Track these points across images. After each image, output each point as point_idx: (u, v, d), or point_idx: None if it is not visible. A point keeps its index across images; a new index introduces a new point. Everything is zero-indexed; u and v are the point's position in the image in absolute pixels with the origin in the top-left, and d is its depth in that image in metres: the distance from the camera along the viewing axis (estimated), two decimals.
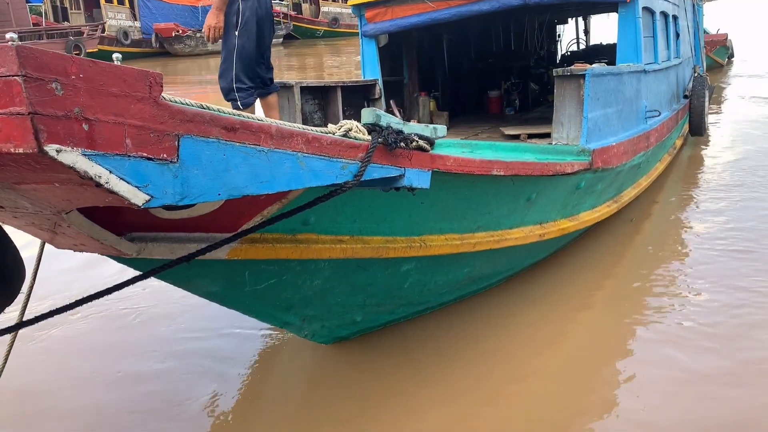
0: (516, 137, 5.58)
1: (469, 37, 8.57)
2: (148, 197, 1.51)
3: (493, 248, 3.55)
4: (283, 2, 36.80)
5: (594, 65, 5.01)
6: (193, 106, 1.63)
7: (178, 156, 1.56)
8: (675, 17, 7.14)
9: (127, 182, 1.47)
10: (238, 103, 4.09)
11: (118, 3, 29.65)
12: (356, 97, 6.07)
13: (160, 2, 31.33)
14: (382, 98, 6.17)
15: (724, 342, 3.47)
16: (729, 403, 2.99)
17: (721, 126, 10.06)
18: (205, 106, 1.67)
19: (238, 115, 1.75)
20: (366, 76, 6.20)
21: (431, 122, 7.03)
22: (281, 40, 36.29)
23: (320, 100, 5.52)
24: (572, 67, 3.96)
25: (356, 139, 2.20)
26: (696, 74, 7.72)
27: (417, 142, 2.39)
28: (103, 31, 27.59)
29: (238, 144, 1.71)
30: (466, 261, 3.58)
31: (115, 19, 29.25)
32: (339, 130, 2.20)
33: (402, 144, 2.29)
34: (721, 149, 8.33)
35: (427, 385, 3.23)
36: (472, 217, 3.31)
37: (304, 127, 1.98)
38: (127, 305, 4.30)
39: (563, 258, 4.61)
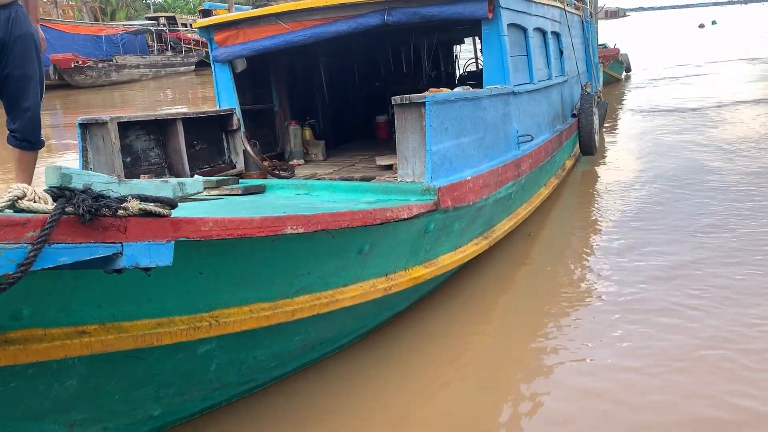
0: (390, 167, 5.08)
1: (353, 60, 8.09)
2: None
3: (323, 312, 2.96)
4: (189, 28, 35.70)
5: (456, 89, 4.58)
6: None
7: None
8: (556, 34, 6.86)
9: None
10: None
11: None
12: (211, 129, 5.43)
13: (58, 32, 29.69)
14: (242, 129, 5.55)
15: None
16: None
17: (617, 141, 9.96)
18: None
19: None
20: (222, 105, 5.57)
21: (306, 153, 6.48)
22: (193, 67, 35.22)
23: (159, 135, 4.84)
24: (412, 95, 3.45)
25: (29, 212, 1.57)
26: (584, 92, 7.46)
27: (140, 207, 1.78)
28: None
29: None
30: (292, 330, 2.98)
31: None
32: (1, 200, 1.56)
33: (106, 211, 1.67)
34: (614, 166, 8.14)
35: None
36: (284, 281, 2.72)
37: None
38: None
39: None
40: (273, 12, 5.10)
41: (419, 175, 3.44)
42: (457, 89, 4.58)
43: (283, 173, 5.33)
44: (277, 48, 5.18)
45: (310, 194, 3.48)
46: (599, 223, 6.02)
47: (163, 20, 39.21)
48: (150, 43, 34.44)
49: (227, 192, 3.37)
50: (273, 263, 2.59)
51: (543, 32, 6.13)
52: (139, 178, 4.58)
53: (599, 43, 18.14)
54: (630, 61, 17.85)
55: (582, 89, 7.50)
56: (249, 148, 4.93)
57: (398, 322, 3.90)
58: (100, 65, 29.08)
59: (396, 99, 3.46)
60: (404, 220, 3.05)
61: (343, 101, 7.66)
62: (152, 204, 1.80)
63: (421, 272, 3.58)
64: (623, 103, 13.88)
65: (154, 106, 21.40)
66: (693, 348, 3.46)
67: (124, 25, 37.50)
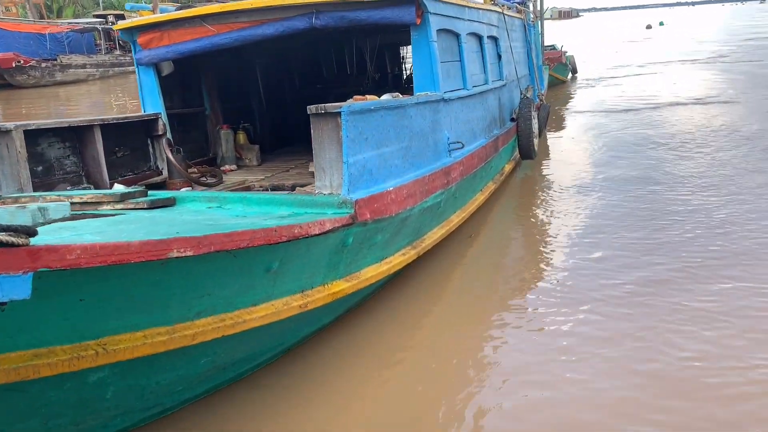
0: None
1: (293, 63, 7.93)
2: None
3: (228, 334, 2.82)
4: None
5: (384, 96, 4.48)
6: None
7: None
8: (494, 38, 6.82)
9: None
10: None
11: None
12: (135, 135, 5.22)
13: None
14: (168, 134, 5.35)
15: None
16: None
17: (559, 144, 10.02)
18: None
19: None
20: (146, 109, 5.36)
21: (239, 157, 6.30)
22: None
23: (75, 142, 4.61)
24: (327, 104, 3.33)
25: None
26: (524, 96, 7.45)
27: None
28: None
29: None
30: (197, 353, 2.83)
31: None
32: None
33: None
34: (554, 169, 8.17)
35: None
36: (181, 304, 2.57)
37: None
38: None
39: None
40: (198, 14, 4.93)
41: (336, 188, 3.32)
42: (384, 96, 4.49)
43: (210, 180, 5.15)
44: (203, 51, 5.00)
45: (222, 207, 3.33)
46: (536, 225, 6.08)
47: (111, 18, 38.04)
48: (98, 41, 33.42)
49: (132, 206, 3.20)
50: (166, 287, 2.44)
51: (478, 37, 6.08)
52: (53, 188, 4.36)
53: (548, 44, 18.36)
54: (576, 62, 18.06)
55: (522, 93, 7.49)
56: (170, 156, 4.74)
57: (325, 334, 3.79)
58: (43, 65, 28.09)
59: (311, 108, 3.34)
60: (316, 235, 2.93)
61: (281, 104, 7.49)
62: (2, 234, 1.64)
63: (342, 286, 3.47)
64: (568, 105, 14.03)
65: (98, 108, 20.79)
66: (620, 347, 3.51)
67: (70, 23, 36.23)
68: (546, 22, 14.15)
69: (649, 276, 4.42)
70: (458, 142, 4.79)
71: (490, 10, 6.62)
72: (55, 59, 29.12)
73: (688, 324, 3.71)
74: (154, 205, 3.23)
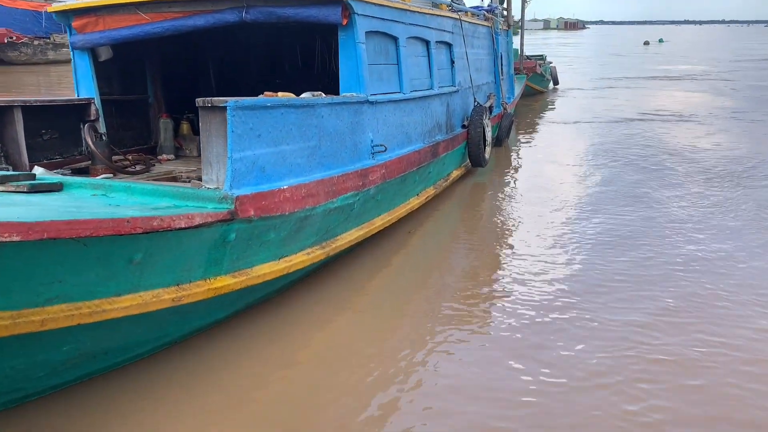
0: None
1: (251, 57, 7.90)
2: None
3: (86, 323, 2.81)
4: None
5: (304, 95, 4.47)
6: None
7: None
8: (447, 44, 6.82)
9: None
10: None
11: None
12: (66, 118, 5.19)
13: None
14: (101, 120, 5.33)
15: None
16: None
17: (524, 151, 10.03)
18: None
19: None
20: (80, 94, 5.34)
21: (179, 148, 6.28)
22: None
23: None
24: (215, 98, 3.32)
25: None
26: (476, 103, 7.45)
27: None
28: None
29: None
30: (55, 339, 2.81)
31: None
32: None
33: None
34: (507, 177, 8.18)
35: None
36: (26, 289, 2.55)
37: None
38: None
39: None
40: (133, 1, 4.91)
41: (222, 182, 3.31)
42: (304, 95, 4.48)
43: (136, 168, 5.14)
44: (136, 38, 4.99)
45: (107, 195, 3.32)
46: (476, 228, 6.20)
47: None
48: None
49: (12, 189, 3.18)
50: (4, 270, 2.43)
51: (425, 41, 6.08)
52: None
53: (535, 54, 18.39)
54: (557, 73, 18.07)
55: (474, 101, 7.48)
56: (90, 142, 4.72)
57: (225, 326, 3.81)
58: (36, 42, 28.04)
59: (199, 101, 3.33)
60: (183, 229, 2.91)
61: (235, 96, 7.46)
62: None
63: (228, 282, 3.45)
64: (542, 114, 14.08)
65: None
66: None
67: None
68: (549, 32, 14.28)
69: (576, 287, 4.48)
70: (381, 146, 4.78)
71: (442, 16, 6.61)
72: (49, 38, 29.03)
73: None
74: (35, 190, 3.21)
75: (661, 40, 60.81)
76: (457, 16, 7.12)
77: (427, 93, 6.00)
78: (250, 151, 3.41)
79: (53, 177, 3.54)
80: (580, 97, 16.69)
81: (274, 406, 3.15)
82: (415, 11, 5.71)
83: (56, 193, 3.31)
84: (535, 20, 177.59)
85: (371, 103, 4.76)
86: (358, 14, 4.58)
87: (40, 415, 3.02)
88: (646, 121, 12.56)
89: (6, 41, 26.68)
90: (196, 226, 2.99)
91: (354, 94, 4.66)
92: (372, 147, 4.73)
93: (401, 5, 5.40)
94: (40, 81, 24.31)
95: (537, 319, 3.97)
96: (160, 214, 2.85)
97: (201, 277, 3.31)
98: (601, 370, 3.36)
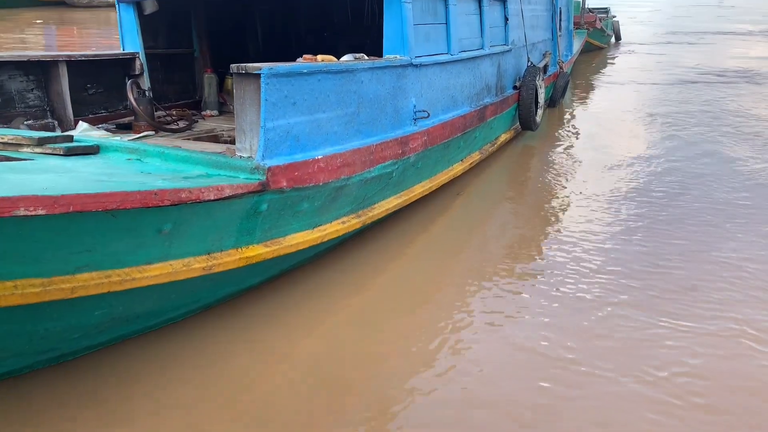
0: None
1: (298, 8, 7.72)
2: None
3: (116, 290, 2.84)
4: None
5: (345, 58, 4.33)
6: None
7: None
8: (502, 1, 6.51)
9: None
10: None
11: None
12: (112, 72, 5.21)
13: None
14: (146, 74, 5.34)
15: None
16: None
17: (578, 114, 9.64)
18: None
19: None
20: (126, 48, 5.34)
21: (224, 103, 6.25)
22: None
23: (40, 76, 4.63)
24: (248, 64, 3.22)
25: None
26: (529, 63, 7.14)
27: None
28: None
29: None
30: (84, 305, 2.86)
31: None
32: None
33: None
34: (561, 141, 7.88)
35: None
36: (56, 258, 2.58)
37: None
38: None
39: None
40: None
41: (254, 152, 3.25)
42: (345, 57, 4.34)
43: (179, 125, 5.14)
44: None
45: (141, 160, 3.31)
46: (518, 195, 6.05)
47: None
48: None
49: (50, 151, 3.21)
50: (34, 240, 2.45)
51: None
52: (11, 121, 4.41)
53: (600, 7, 17.51)
54: (620, 28, 17.15)
55: (528, 60, 7.17)
56: (132, 98, 4.72)
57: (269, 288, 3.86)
58: None
59: (233, 67, 3.25)
60: (212, 201, 2.88)
61: (283, 51, 7.34)
62: None
63: (260, 251, 3.43)
64: (602, 72, 13.45)
65: None
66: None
67: None
68: None
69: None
70: (424, 111, 4.62)
71: None
72: None
73: None
74: (71, 153, 3.23)
75: None
76: None
77: (476, 53, 5.76)
78: (285, 119, 3.33)
79: (90, 138, 3.54)
80: (643, 53, 15.86)
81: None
82: None
83: (92, 156, 3.32)
84: None
85: (415, 66, 4.58)
86: None
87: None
88: (712, 83, 11.86)
89: None
90: (226, 198, 2.95)
91: (397, 56, 4.49)
92: (414, 112, 4.58)
93: None
94: (100, 23, 24.65)
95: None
96: (188, 185, 2.82)
97: (233, 246, 3.30)
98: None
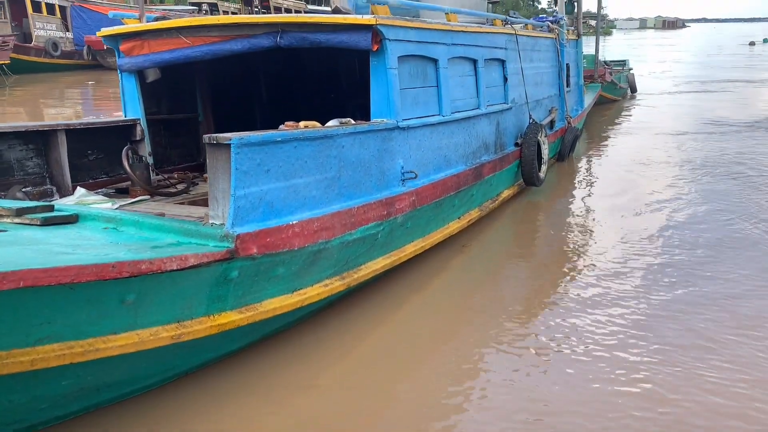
0: None
1: (304, 70, 7.91)
2: None
3: (79, 361, 2.84)
4: None
5: (331, 123, 4.40)
6: None
7: None
8: (499, 60, 6.58)
9: None
10: None
11: (49, 13, 28.63)
12: (112, 138, 5.38)
13: (95, 12, 30.32)
14: (147, 139, 5.49)
15: None
16: None
17: (589, 167, 9.56)
18: None
19: None
20: (127, 114, 5.52)
21: None
22: None
23: (40, 144, 4.80)
24: (219, 134, 3.29)
25: None
26: (531, 121, 7.15)
27: None
28: (27, 41, 26.59)
29: None
30: (52, 375, 2.86)
31: (44, 29, 28.22)
32: None
33: None
34: (568, 196, 7.80)
35: None
36: (14, 331, 2.61)
37: None
38: None
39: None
40: (174, 26, 5.02)
41: (226, 219, 3.29)
42: (331, 122, 4.41)
43: (177, 188, 5.25)
44: (178, 61, 5.09)
45: (117, 229, 3.37)
46: (520, 251, 6.02)
47: (206, 6, 39.68)
48: None
49: (27, 221, 3.28)
50: None
51: (472, 60, 5.87)
52: (8, 189, 4.55)
53: (616, 60, 17.57)
54: (635, 80, 17.15)
55: (530, 117, 7.19)
56: (126, 165, 4.85)
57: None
58: None
59: (205, 138, 3.32)
60: (175, 270, 2.90)
61: (289, 113, 7.51)
62: None
63: (233, 318, 3.43)
64: (616, 123, 13.40)
65: None
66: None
67: (164, 9, 37.94)
68: (646, 32, 13.71)
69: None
70: (412, 172, 4.64)
71: (493, 32, 6.38)
72: None
73: None
74: (48, 222, 3.30)
75: (765, 40, 56.77)
76: (513, 31, 6.85)
77: (472, 113, 5.80)
78: (257, 187, 3.37)
79: (71, 207, 3.62)
80: (662, 105, 15.79)
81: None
82: (459, 31, 5.52)
83: (69, 226, 3.39)
84: (631, 19, 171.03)
85: (402, 128, 4.63)
86: (389, 40, 4.47)
87: None
88: (730, 133, 11.70)
89: (106, 47, 28.15)
90: (190, 267, 2.97)
91: (384, 120, 4.54)
92: (402, 173, 4.60)
93: (442, 26, 5.24)
94: None
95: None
96: (151, 256, 2.85)
97: (203, 313, 3.30)
98: None
